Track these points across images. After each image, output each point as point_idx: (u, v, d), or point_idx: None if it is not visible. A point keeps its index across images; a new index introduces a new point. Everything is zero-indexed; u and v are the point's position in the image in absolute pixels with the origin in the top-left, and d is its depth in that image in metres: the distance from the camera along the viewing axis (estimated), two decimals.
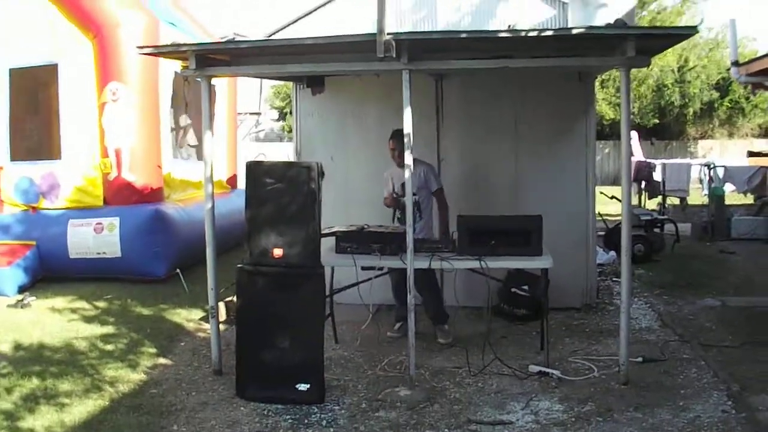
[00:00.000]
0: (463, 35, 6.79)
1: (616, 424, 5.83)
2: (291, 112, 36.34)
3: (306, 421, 6.00)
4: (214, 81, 8.19)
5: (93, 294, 10.22)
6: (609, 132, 33.28)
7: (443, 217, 8.25)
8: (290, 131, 35.94)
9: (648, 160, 20.87)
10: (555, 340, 7.86)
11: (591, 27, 7.14)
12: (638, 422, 5.84)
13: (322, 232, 6.89)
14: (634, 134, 22.53)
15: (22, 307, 9.66)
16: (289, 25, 8.60)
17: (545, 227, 7.26)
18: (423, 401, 6.34)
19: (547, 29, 7.99)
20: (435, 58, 6.94)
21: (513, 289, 8.87)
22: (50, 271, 10.99)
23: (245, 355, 6.56)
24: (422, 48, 6.70)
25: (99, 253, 10.86)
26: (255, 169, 6.59)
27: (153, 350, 7.87)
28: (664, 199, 18.69)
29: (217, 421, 6.01)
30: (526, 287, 8.80)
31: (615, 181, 28.58)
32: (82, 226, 10.93)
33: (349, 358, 7.61)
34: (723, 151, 33.68)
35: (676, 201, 19.51)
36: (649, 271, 11.94)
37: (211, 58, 7.07)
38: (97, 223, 10.88)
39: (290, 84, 9.97)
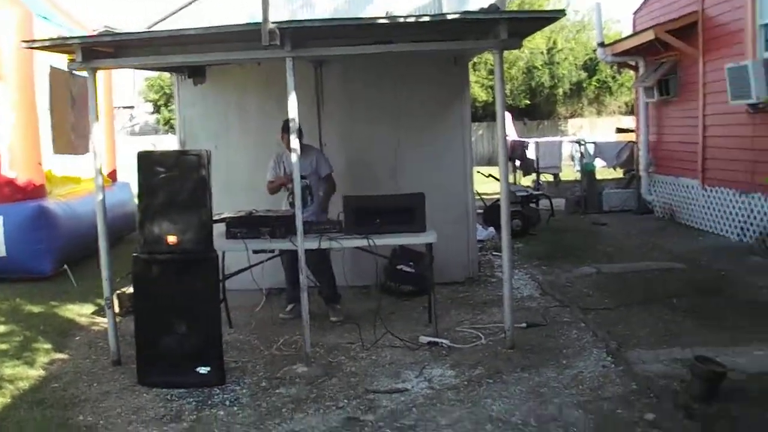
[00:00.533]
0: (346, 23, 7.02)
1: (505, 384, 6.19)
2: (166, 104, 35.37)
3: (209, 402, 6.14)
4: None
5: None
6: (482, 114, 34.02)
7: (327, 198, 8.48)
8: (165, 123, 35.60)
9: (521, 139, 21.50)
10: (442, 313, 8.18)
11: (466, 12, 7.47)
12: (526, 381, 6.23)
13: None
14: (507, 115, 23.12)
15: None
16: (170, 15, 8.61)
17: (426, 207, 7.51)
18: (321, 376, 6.56)
19: (425, 15, 8.29)
20: (318, 45, 7.14)
21: (399, 267, 9.14)
22: None
23: (144, 342, 6.62)
24: (305, 36, 6.87)
25: None
26: (146, 158, 6.65)
27: (48, 346, 7.82)
28: (538, 176, 19.29)
29: (122, 408, 6.08)
30: (411, 263, 9.10)
31: (490, 161, 29.31)
32: None
33: (244, 341, 7.75)
34: (592, 129, 34.76)
35: (550, 177, 20.17)
36: (527, 245, 12.48)
37: (97, 51, 7.09)
38: None
39: (165, 75, 10.01)
